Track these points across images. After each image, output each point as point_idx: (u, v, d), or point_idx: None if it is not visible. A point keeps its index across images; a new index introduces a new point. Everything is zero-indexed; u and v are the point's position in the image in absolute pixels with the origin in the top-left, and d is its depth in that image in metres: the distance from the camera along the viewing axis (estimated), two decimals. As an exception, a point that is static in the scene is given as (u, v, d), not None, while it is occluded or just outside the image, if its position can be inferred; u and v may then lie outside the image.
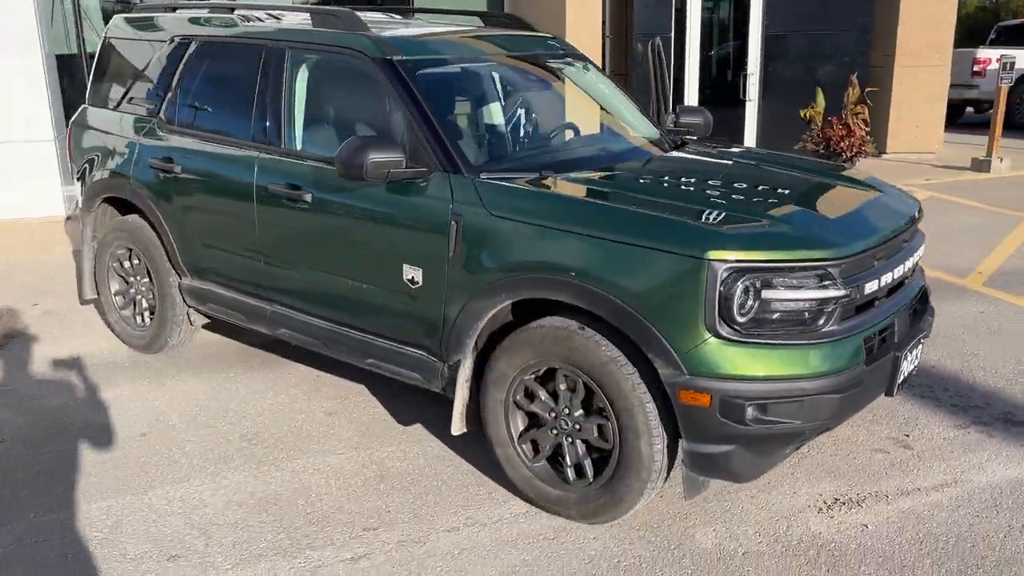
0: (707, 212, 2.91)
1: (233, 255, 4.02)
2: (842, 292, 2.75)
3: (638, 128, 4.20)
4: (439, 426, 3.81)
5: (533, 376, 3.10)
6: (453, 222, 3.14)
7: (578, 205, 3.03)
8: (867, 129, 9.20)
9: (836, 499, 3.23)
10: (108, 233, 4.70)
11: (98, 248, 4.78)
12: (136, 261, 4.60)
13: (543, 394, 3.09)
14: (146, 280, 4.60)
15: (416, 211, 3.27)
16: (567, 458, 3.07)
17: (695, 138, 4.38)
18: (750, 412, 2.68)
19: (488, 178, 3.19)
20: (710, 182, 3.51)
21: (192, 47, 4.29)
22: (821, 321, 2.75)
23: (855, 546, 2.93)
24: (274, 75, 3.82)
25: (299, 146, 3.77)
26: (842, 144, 9.07)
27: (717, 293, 2.65)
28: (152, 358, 4.65)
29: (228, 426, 3.85)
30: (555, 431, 3.09)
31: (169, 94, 4.32)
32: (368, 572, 2.82)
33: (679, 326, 2.70)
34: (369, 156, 3.14)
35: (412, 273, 3.31)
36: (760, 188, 3.35)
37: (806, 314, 2.74)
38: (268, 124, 3.81)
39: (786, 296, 2.70)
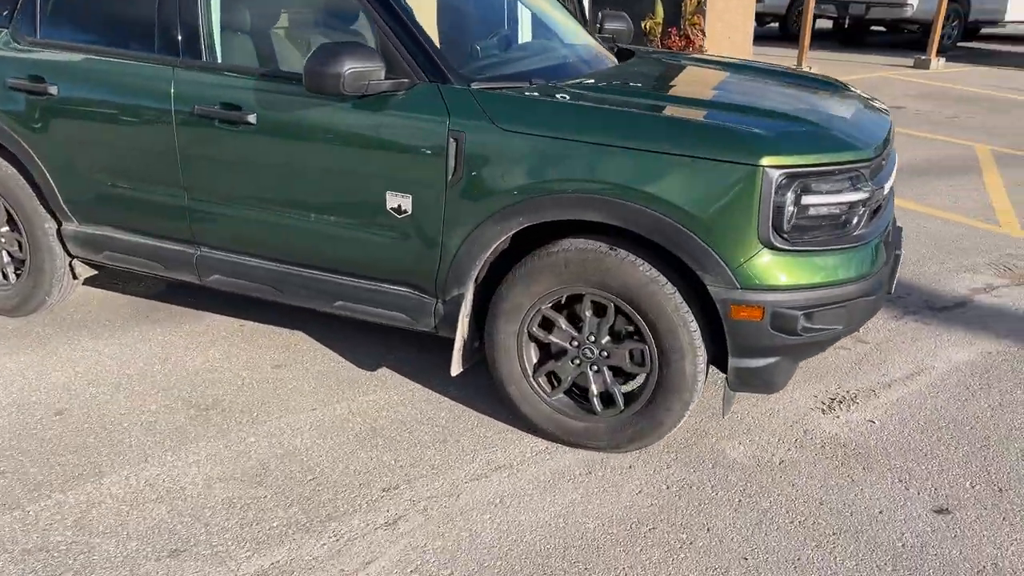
0: (745, 117, 2.76)
1: (142, 193, 3.38)
2: (871, 194, 2.73)
3: (580, 36, 3.96)
4: (410, 368, 3.50)
5: (551, 304, 2.87)
6: (452, 140, 2.78)
7: (611, 115, 2.75)
8: (704, 39, 9.46)
9: (832, 399, 3.31)
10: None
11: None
12: (-9, 207, 3.78)
13: (563, 323, 2.88)
14: (6, 228, 3.80)
15: (401, 130, 2.87)
16: (593, 387, 2.90)
17: (627, 47, 4.22)
18: (801, 322, 2.63)
19: (484, 88, 2.85)
20: (711, 89, 3.36)
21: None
22: (854, 223, 2.72)
23: (874, 442, 3.02)
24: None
25: (227, 58, 3.20)
26: (682, 55, 9.25)
27: (772, 202, 2.54)
28: (26, 322, 3.89)
29: (162, 392, 3.30)
30: (578, 361, 2.90)
31: (28, -2, 3.50)
32: (414, 537, 2.53)
33: (731, 239, 2.57)
34: (347, 66, 2.70)
35: (398, 201, 2.92)
36: (761, 93, 3.25)
37: (843, 218, 2.70)
38: (184, 33, 3.18)
39: (830, 200, 2.64)
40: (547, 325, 2.92)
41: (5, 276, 3.90)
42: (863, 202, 2.72)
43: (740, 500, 2.70)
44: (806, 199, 2.59)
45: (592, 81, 3.20)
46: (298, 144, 3.03)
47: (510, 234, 2.82)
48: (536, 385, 2.97)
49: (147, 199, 3.38)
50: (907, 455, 2.94)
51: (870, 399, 3.32)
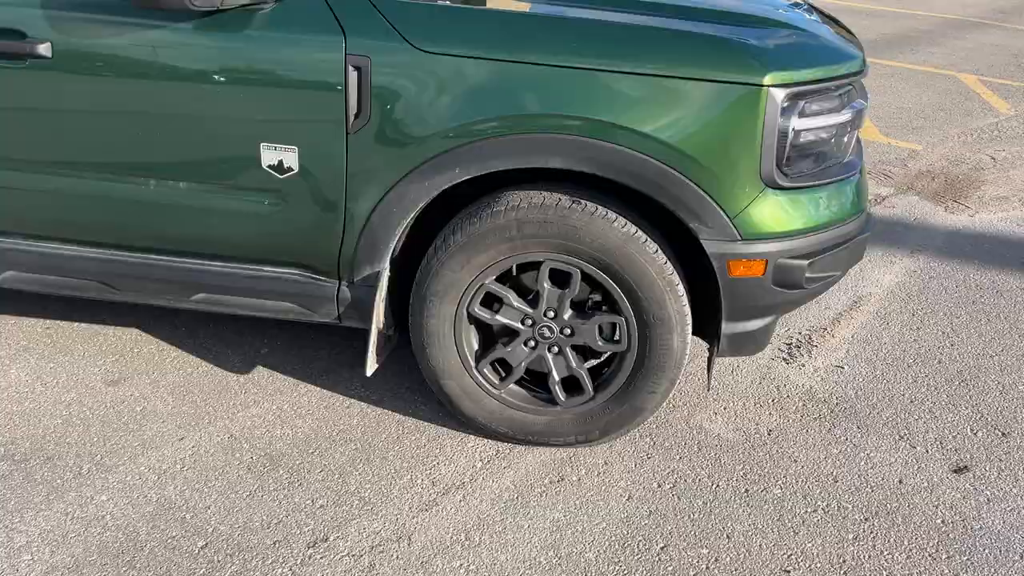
0: (733, 27, 2.20)
1: None
2: (860, 112, 2.30)
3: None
4: (296, 365, 2.77)
5: (496, 277, 2.24)
6: (354, 69, 2.04)
7: (573, 27, 2.10)
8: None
9: (788, 344, 2.96)
10: None
11: None
12: None
13: (513, 298, 2.27)
14: None
15: (273, 57, 2.08)
16: (554, 373, 2.33)
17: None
18: (806, 272, 2.19)
19: (389, -5, 2.10)
20: None
21: None
22: (844, 149, 2.29)
23: (853, 393, 2.70)
24: None
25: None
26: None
27: (776, 129, 2.04)
28: None
29: (79, 422, 2.37)
30: (532, 343, 2.31)
31: None
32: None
33: (729, 180, 2.06)
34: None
35: (278, 157, 2.15)
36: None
37: (835, 143, 2.25)
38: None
39: (828, 122, 2.18)
40: (490, 302, 2.29)
41: None
42: (852, 123, 2.29)
43: (747, 490, 2.27)
44: (807, 122, 2.12)
45: None
46: (122, 83, 2.15)
47: (441, 190, 2.15)
48: (480, 377, 2.36)
49: None
50: (894, 405, 2.64)
51: (825, 339, 3.00)
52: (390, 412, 2.55)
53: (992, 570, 2.01)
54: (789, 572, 2.00)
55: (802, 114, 2.09)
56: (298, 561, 2.00)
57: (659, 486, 2.28)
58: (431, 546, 2.06)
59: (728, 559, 2.04)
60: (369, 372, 2.35)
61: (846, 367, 2.83)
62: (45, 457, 2.31)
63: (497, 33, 2.06)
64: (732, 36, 2.11)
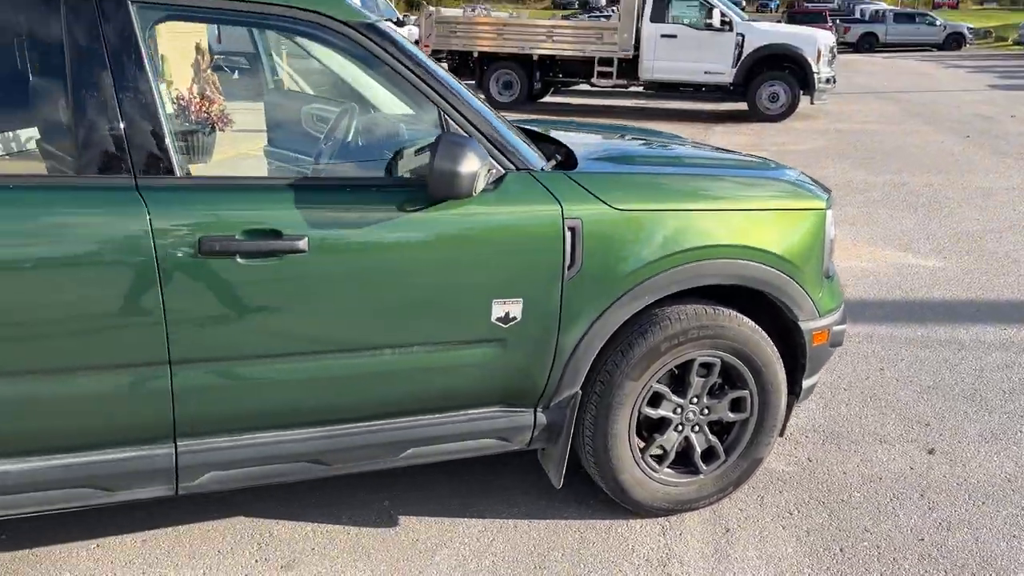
0: (772, 170, 3.12)
1: (87, 379, 2.17)
2: None
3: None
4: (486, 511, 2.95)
5: (661, 378, 2.81)
6: (568, 230, 2.52)
7: (708, 181, 2.87)
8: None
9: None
10: None
11: None
12: None
13: (671, 394, 2.84)
14: None
15: (506, 227, 2.47)
16: (696, 448, 2.93)
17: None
18: (840, 335, 3.11)
19: (585, 171, 2.64)
20: (698, 152, 3.45)
21: None
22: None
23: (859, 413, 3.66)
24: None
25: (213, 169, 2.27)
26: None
27: (828, 238, 2.96)
28: None
29: None
30: (680, 427, 2.89)
31: None
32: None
33: (812, 277, 2.91)
34: (477, 163, 2.29)
35: (506, 309, 2.51)
36: (709, 152, 3.53)
37: (829, 247, 3.25)
38: (136, 138, 2.14)
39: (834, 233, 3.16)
40: (655, 401, 2.84)
41: None
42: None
43: (841, 538, 3.06)
44: (832, 233, 3.07)
45: (621, 152, 3.19)
46: (373, 264, 2.36)
47: (628, 317, 2.68)
48: (645, 464, 2.86)
49: (86, 395, 2.18)
50: (903, 410, 3.65)
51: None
52: (571, 519, 2.90)
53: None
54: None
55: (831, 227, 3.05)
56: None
57: (764, 541, 2.98)
58: (700, 602, 2.51)
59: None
60: (559, 485, 2.73)
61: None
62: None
63: (665, 191, 2.70)
64: (799, 179, 3.02)
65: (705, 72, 13.73)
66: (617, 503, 2.92)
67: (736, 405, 2.94)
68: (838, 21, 33.45)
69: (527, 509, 2.97)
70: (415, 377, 2.51)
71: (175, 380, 2.24)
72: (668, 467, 2.92)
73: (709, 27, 13.49)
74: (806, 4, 39.91)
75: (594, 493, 3.00)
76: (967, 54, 31.64)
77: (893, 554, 2.76)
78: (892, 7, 40.11)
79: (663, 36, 13.80)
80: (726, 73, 13.60)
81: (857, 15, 37.59)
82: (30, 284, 2.07)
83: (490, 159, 2.42)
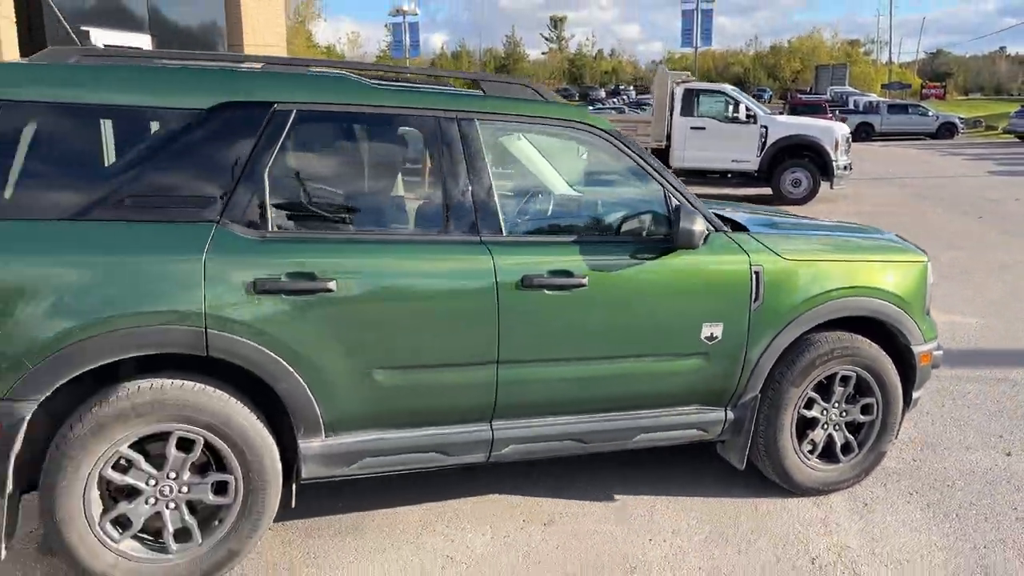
0: (880, 232, 4.14)
1: (438, 380, 3.13)
2: None
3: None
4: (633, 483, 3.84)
5: (812, 387, 3.75)
6: (755, 273, 3.50)
7: (846, 240, 4.00)
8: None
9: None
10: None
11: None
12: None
13: (819, 399, 3.78)
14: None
15: (715, 271, 3.45)
16: (837, 443, 3.84)
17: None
18: (940, 360, 4.07)
19: (758, 232, 3.64)
20: (828, 222, 4.54)
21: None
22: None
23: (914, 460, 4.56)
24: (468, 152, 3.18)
25: (515, 228, 3.29)
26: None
27: (929, 284, 3.95)
28: None
29: None
30: (825, 425, 3.82)
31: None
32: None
33: (919, 311, 3.89)
34: (703, 224, 3.29)
35: (711, 330, 3.47)
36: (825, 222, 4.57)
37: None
38: (483, 211, 3.16)
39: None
40: (809, 402, 3.77)
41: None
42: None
43: (956, 508, 3.95)
44: (932, 279, 4.05)
45: (768, 220, 4.22)
46: (626, 296, 3.33)
47: (794, 338, 3.63)
48: (802, 454, 3.77)
49: (443, 384, 3.13)
50: (979, 427, 4.55)
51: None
52: (754, 495, 3.79)
53: None
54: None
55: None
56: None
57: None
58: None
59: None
60: (742, 467, 3.64)
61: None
62: None
63: (816, 247, 3.71)
64: (900, 239, 4.03)
65: (732, 160, 15.01)
66: (776, 485, 3.80)
67: (866, 409, 3.87)
68: (837, 112, 35.24)
69: (708, 490, 3.86)
70: (645, 379, 3.45)
71: (499, 375, 3.19)
72: (817, 457, 3.83)
73: (735, 120, 14.83)
74: (800, 96, 41.79)
75: (743, 480, 3.90)
76: (960, 143, 33.37)
77: (996, 518, 3.65)
78: (884, 99, 42.20)
79: (692, 128, 15.14)
80: (751, 161, 14.87)
81: (851, 106, 39.45)
82: (422, 305, 3.05)
83: (706, 223, 3.42)
